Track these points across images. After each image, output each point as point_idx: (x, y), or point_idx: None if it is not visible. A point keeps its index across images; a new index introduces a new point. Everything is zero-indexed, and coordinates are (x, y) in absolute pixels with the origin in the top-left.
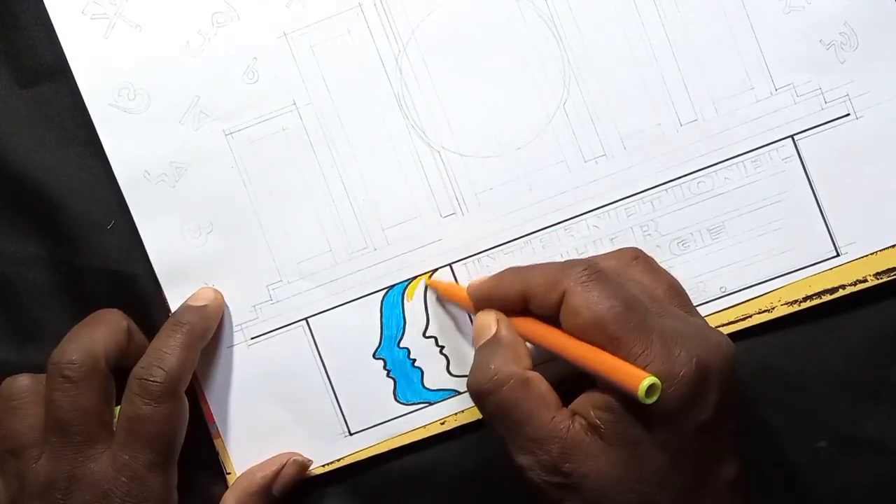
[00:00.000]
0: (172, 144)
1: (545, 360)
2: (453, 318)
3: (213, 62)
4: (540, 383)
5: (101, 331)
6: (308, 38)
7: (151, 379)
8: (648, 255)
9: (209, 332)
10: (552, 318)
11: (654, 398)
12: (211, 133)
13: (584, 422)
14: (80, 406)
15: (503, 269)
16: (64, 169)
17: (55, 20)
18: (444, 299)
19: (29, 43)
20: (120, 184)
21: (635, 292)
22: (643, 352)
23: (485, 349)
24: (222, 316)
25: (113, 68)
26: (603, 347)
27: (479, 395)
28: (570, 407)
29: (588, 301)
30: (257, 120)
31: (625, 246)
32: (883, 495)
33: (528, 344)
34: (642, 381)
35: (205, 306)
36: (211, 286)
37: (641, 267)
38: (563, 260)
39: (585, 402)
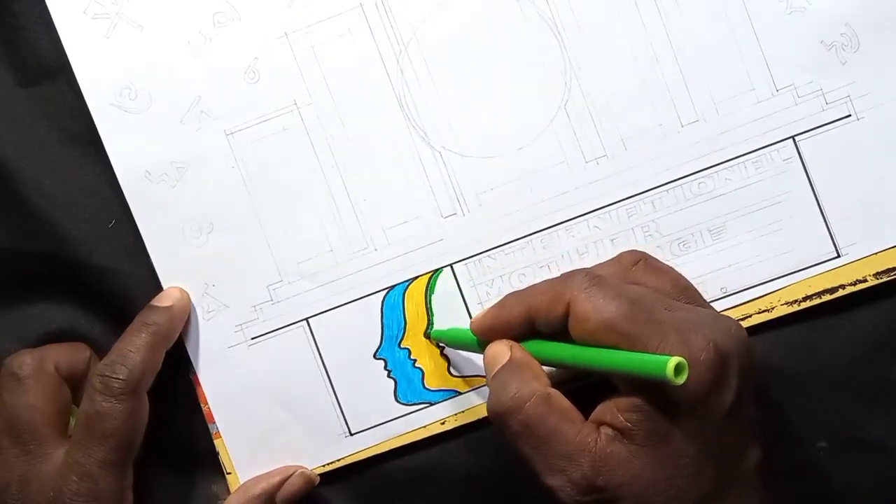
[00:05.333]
0: (173, 144)
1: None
2: (455, 318)
3: (214, 62)
4: (561, 399)
5: (59, 346)
6: (309, 38)
7: (114, 376)
8: (649, 255)
9: (175, 333)
10: (560, 333)
11: (683, 378)
12: (212, 133)
13: (609, 431)
14: (27, 403)
15: (502, 297)
16: (65, 168)
17: (56, 20)
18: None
19: (30, 42)
20: (121, 183)
21: (639, 291)
22: (660, 343)
23: (500, 374)
24: (223, 315)
25: (114, 68)
26: (618, 347)
27: (501, 415)
28: (590, 419)
29: (595, 305)
30: (258, 120)
31: (625, 248)
32: (883, 495)
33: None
34: (669, 362)
35: (171, 306)
36: (177, 286)
37: (643, 269)
38: (562, 272)
39: (609, 408)
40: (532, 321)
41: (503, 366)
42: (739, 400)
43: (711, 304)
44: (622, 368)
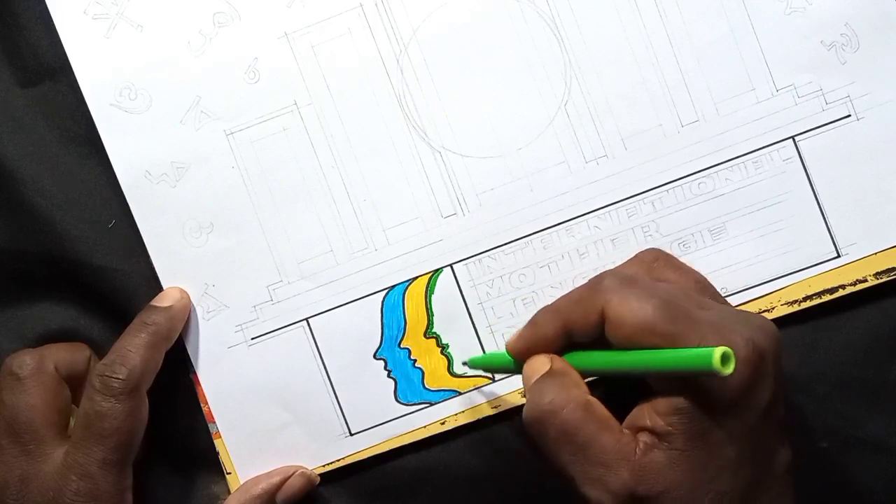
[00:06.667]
0: (173, 144)
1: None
2: (455, 318)
3: (214, 62)
4: (600, 407)
5: (59, 346)
6: (309, 38)
7: (113, 376)
8: (666, 252)
9: (174, 333)
10: (597, 341)
11: (731, 368)
12: (212, 133)
13: (648, 437)
14: (27, 403)
15: (534, 315)
16: (65, 168)
17: (57, 20)
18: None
19: (30, 42)
20: (121, 183)
21: (671, 289)
22: (699, 342)
23: (539, 382)
24: (223, 315)
25: (114, 68)
26: (657, 348)
27: (537, 421)
28: (625, 424)
29: (630, 308)
30: (258, 120)
31: (626, 248)
32: (883, 495)
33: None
34: (715, 352)
35: (170, 307)
36: (177, 286)
37: (664, 266)
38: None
39: (647, 411)
40: (568, 333)
41: (542, 375)
42: (774, 399)
43: None
44: (666, 367)
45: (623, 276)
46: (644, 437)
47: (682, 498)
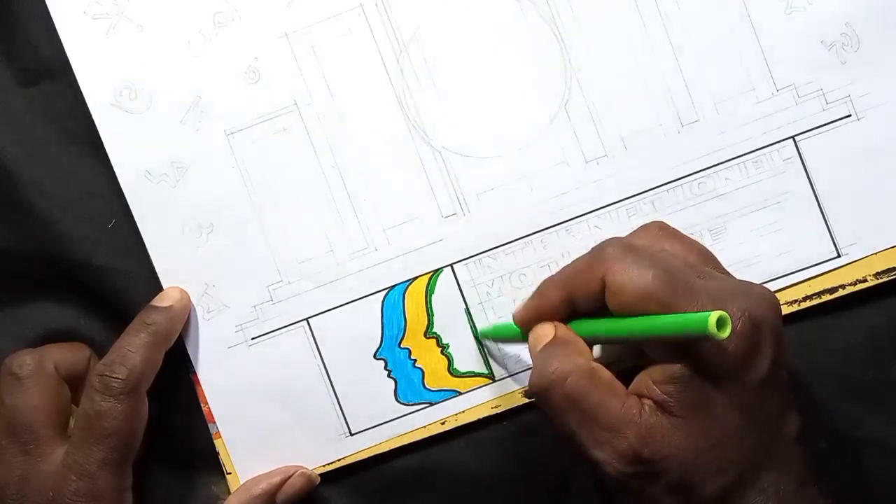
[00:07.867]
0: (173, 144)
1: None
2: (455, 318)
3: (214, 62)
4: (604, 372)
5: (59, 346)
6: (309, 38)
7: (113, 376)
8: (672, 225)
9: (174, 333)
10: (600, 310)
11: (727, 332)
12: (212, 133)
13: (650, 402)
14: (27, 403)
15: (539, 285)
16: (65, 168)
17: (56, 19)
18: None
19: (30, 42)
20: (121, 183)
21: (671, 260)
22: (696, 311)
23: (544, 351)
24: (223, 315)
25: (114, 68)
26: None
27: (543, 390)
28: (629, 391)
29: (630, 276)
30: (258, 120)
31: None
32: (883, 495)
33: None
34: (710, 317)
35: (170, 307)
36: (177, 286)
37: (669, 237)
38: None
39: (644, 380)
40: (572, 302)
41: (547, 343)
42: (774, 367)
43: None
44: (663, 332)
45: (625, 244)
46: (648, 402)
47: (687, 464)
